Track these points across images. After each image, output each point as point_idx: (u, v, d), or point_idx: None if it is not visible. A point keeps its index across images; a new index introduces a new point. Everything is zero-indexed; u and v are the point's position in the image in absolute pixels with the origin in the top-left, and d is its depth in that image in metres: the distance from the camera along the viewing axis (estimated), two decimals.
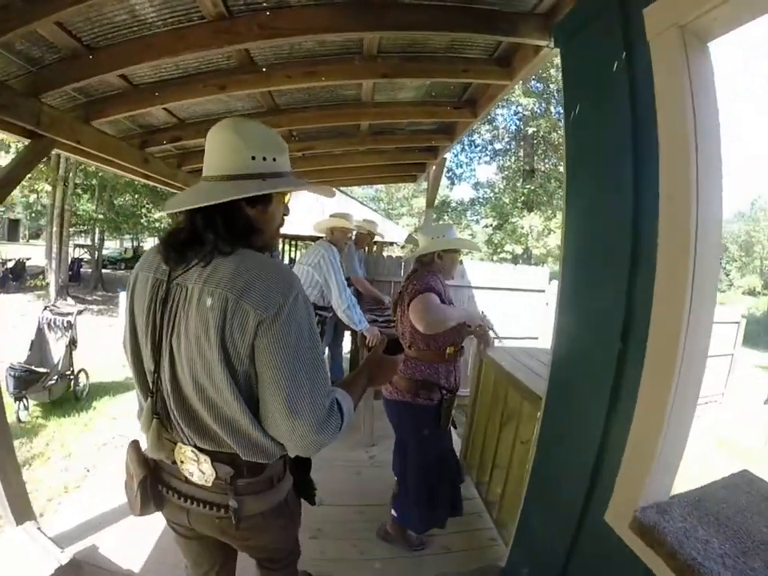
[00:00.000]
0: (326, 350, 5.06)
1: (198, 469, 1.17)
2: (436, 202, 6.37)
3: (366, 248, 14.09)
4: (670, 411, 1.18)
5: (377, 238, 5.95)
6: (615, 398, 1.40)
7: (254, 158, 1.14)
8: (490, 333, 2.65)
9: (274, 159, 1.17)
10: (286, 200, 1.25)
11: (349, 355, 5.85)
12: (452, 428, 2.51)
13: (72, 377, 5.48)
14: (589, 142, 1.64)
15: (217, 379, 1.05)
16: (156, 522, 1.85)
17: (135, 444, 1.32)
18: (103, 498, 2.75)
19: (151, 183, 4.76)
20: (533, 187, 18.71)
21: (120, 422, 4.78)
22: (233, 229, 1.11)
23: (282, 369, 1.02)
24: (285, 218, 1.28)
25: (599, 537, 1.40)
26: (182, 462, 1.19)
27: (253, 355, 1.04)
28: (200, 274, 1.07)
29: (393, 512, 2.53)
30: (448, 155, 5.57)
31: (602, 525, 1.35)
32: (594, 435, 1.47)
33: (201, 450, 1.15)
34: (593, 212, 1.62)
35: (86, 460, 3.90)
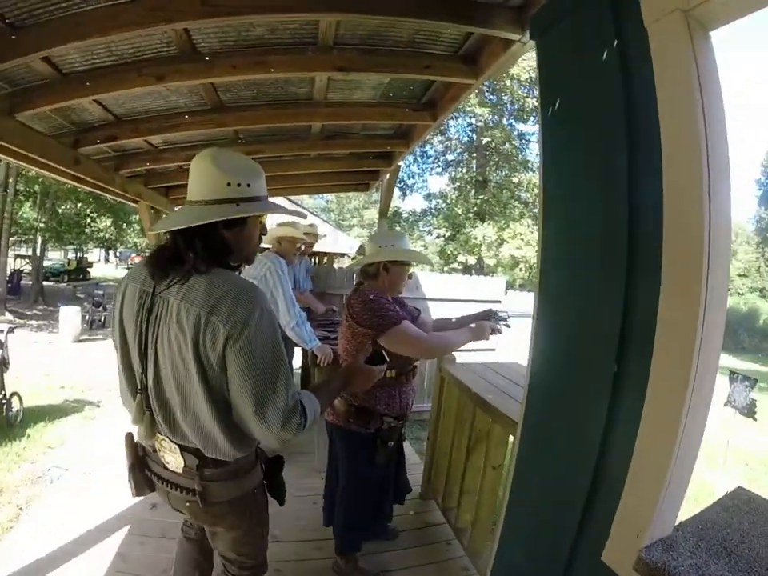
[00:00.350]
0: None
1: (171, 457, 1.36)
2: (387, 213, 6.24)
3: (317, 258, 13.83)
4: (680, 437, 1.03)
5: (325, 248, 5.77)
6: (611, 424, 1.24)
7: (229, 184, 1.27)
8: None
9: (249, 185, 1.30)
10: (262, 221, 1.42)
11: (300, 372, 5.62)
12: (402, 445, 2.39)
13: (3, 401, 4.93)
14: (571, 139, 1.48)
15: (193, 384, 1.23)
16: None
17: (129, 435, 1.51)
18: (40, 541, 2.47)
19: (83, 187, 4.42)
20: (486, 197, 18.98)
21: (57, 452, 4.30)
22: (209, 249, 1.27)
23: (248, 376, 1.18)
24: (262, 237, 1.46)
25: None
26: (161, 450, 1.39)
27: (224, 364, 1.20)
28: (179, 291, 1.23)
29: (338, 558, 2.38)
30: (402, 163, 5.45)
31: (599, 565, 1.20)
32: (585, 465, 1.30)
33: (173, 442, 1.34)
34: (576, 215, 1.46)
35: (19, 496, 3.47)
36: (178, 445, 1.33)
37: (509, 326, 2.40)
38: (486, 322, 2.33)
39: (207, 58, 2.28)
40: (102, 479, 3.24)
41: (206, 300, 1.19)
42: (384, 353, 1.69)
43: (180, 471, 1.36)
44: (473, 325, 2.32)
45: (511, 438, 2.12)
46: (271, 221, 3.78)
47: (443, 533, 2.80)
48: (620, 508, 1.16)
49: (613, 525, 1.18)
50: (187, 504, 1.38)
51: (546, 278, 1.59)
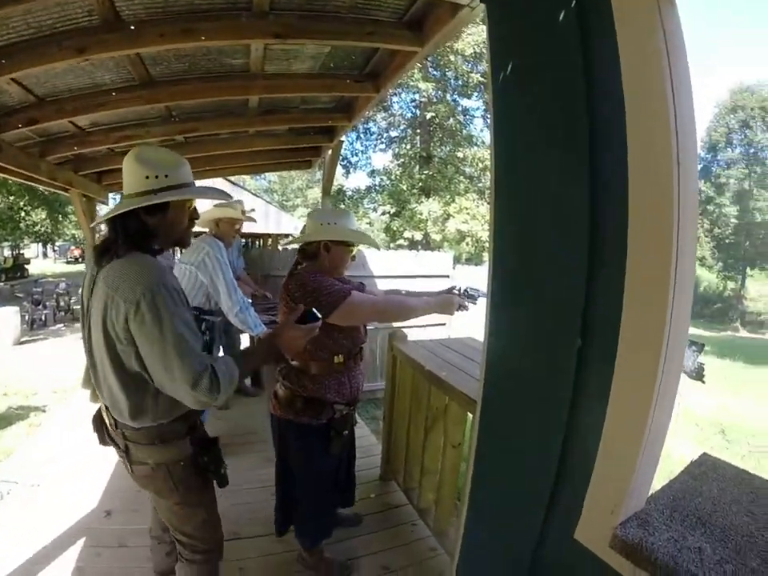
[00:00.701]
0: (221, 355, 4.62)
1: (106, 416, 1.56)
2: (331, 190, 6.09)
3: (261, 241, 13.51)
4: (653, 408, 1.00)
5: (269, 229, 5.58)
6: (578, 399, 1.20)
7: (147, 177, 1.45)
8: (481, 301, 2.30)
9: (166, 176, 1.46)
10: (189, 206, 1.55)
11: None
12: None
13: None
14: (525, 106, 1.38)
15: (103, 354, 1.41)
16: None
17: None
18: None
19: (8, 177, 4.07)
20: (430, 173, 18.93)
21: (3, 464, 3.94)
22: (130, 236, 1.43)
23: (152, 346, 1.33)
24: (193, 220, 1.59)
25: (570, 556, 1.22)
26: (103, 410, 1.57)
27: (129, 337, 1.35)
28: (104, 273, 1.39)
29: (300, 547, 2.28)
30: (344, 139, 5.30)
31: (572, 543, 1.17)
32: (551, 442, 1.26)
33: (104, 402, 1.53)
34: (532, 187, 1.39)
35: None
36: (105, 405, 1.53)
37: (475, 304, 2.30)
38: (454, 296, 2.19)
39: (132, 27, 2.09)
40: (52, 490, 3.02)
41: (113, 280, 1.35)
42: (315, 311, 1.59)
43: (112, 429, 1.55)
44: (436, 296, 2.19)
45: (470, 415, 2.07)
46: (208, 204, 3.62)
47: (407, 514, 2.76)
48: (592, 484, 1.12)
49: (585, 502, 1.14)
50: (121, 460, 1.58)
51: (500, 253, 1.52)
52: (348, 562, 2.32)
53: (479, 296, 2.28)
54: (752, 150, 32.75)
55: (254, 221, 4.29)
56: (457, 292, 2.27)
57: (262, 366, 1.68)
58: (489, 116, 1.54)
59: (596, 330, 1.14)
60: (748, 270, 33.80)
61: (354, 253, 2.10)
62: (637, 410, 1.01)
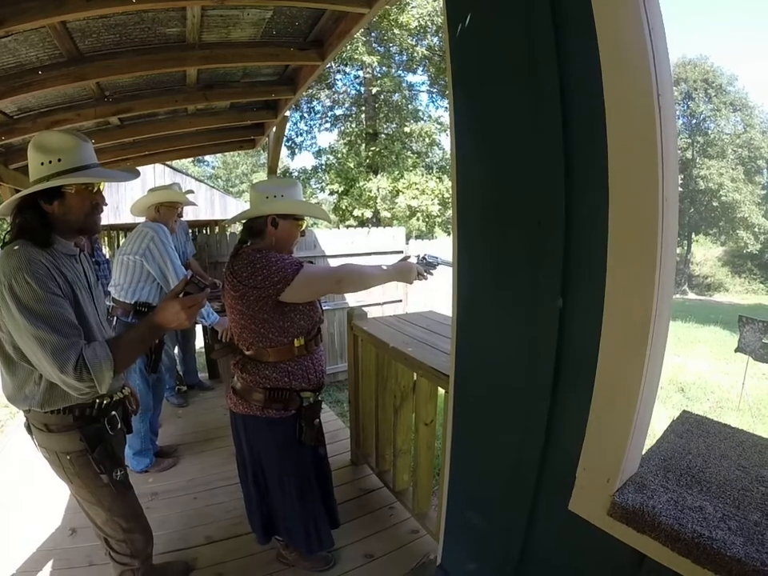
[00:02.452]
0: (176, 350, 4.40)
1: None
2: (277, 170, 5.90)
3: (208, 228, 13.10)
4: (646, 369, 0.94)
5: (215, 215, 5.37)
6: (563, 362, 1.13)
7: (42, 163, 1.46)
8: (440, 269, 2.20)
9: (59, 160, 1.45)
10: (94, 190, 1.53)
11: (204, 351, 5.26)
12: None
13: None
14: (486, 64, 1.25)
15: None
16: None
17: None
18: None
19: None
20: (377, 149, 18.73)
21: None
22: (23, 225, 1.45)
23: (18, 333, 1.36)
24: (98, 205, 1.56)
25: (566, 528, 1.17)
26: None
27: (3, 324, 1.39)
28: None
29: (277, 537, 2.17)
30: (289, 116, 5.11)
31: (567, 515, 1.11)
32: (536, 411, 1.20)
33: None
34: (496, 155, 1.28)
35: None
36: None
37: (432, 274, 2.21)
38: (412, 263, 2.10)
39: None
40: (12, 510, 2.81)
41: None
42: (199, 278, 1.48)
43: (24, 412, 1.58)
44: (394, 264, 2.08)
45: (441, 390, 2.01)
46: (142, 190, 3.38)
47: (383, 497, 2.71)
48: (584, 452, 1.07)
49: (578, 472, 1.09)
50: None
51: (464, 217, 1.43)
52: (329, 555, 2.23)
53: (438, 263, 2.23)
54: (694, 121, 33.90)
55: (195, 204, 4.08)
56: (415, 259, 2.19)
57: (146, 345, 1.59)
58: (446, 78, 1.42)
59: (580, 287, 1.06)
60: (693, 235, 35.26)
61: (303, 227, 1.96)
62: (630, 369, 0.95)
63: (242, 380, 1.91)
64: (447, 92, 1.43)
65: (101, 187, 1.56)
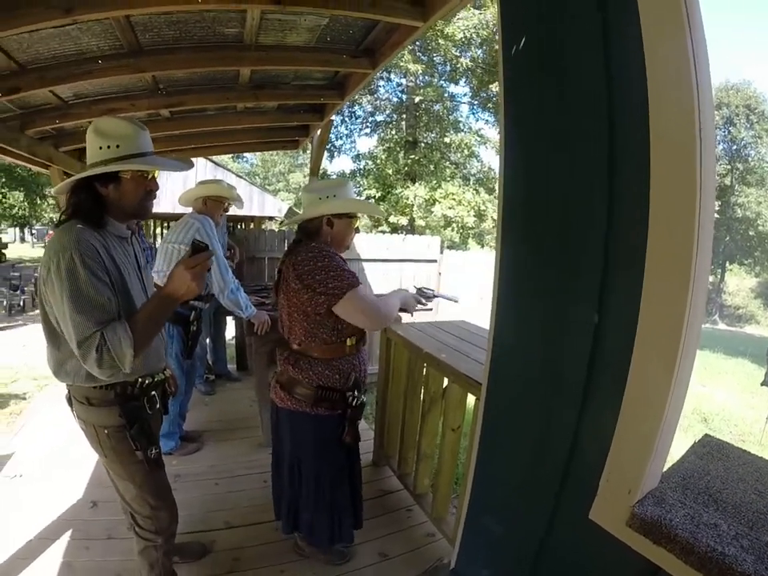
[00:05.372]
0: (207, 340, 4.51)
1: None
2: (319, 172, 5.99)
3: (244, 223, 13.28)
4: (673, 387, 0.97)
5: (248, 212, 5.46)
6: (593, 376, 1.16)
7: (101, 147, 1.51)
8: (437, 302, 2.29)
9: (117, 146, 1.50)
10: (148, 177, 1.57)
11: (234, 342, 5.36)
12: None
13: None
14: (536, 87, 1.30)
15: (41, 312, 1.53)
16: None
17: None
18: None
19: None
20: (416, 158, 18.82)
21: None
22: (78, 205, 1.51)
23: (57, 307, 1.42)
24: (152, 191, 1.62)
25: (584, 537, 1.20)
26: None
27: (48, 299, 1.46)
28: None
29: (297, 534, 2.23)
30: (335, 118, 5.21)
31: (587, 524, 1.14)
32: (564, 422, 1.24)
33: None
34: (542, 176, 1.32)
35: None
36: None
37: (430, 309, 2.30)
38: (411, 295, 2.17)
39: None
40: (35, 481, 2.92)
41: (45, 248, 1.49)
42: (199, 242, 1.48)
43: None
44: (394, 293, 2.14)
45: (470, 397, 2.05)
46: (193, 182, 3.50)
47: (402, 500, 2.74)
48: (609, 463, 1.09)
49: (600, 482, 1.11)
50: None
51: (509, 234, 1.46)
52: (344, 550, 2.28)
53: (434, 295, 2.30)
54: (735, 147, 33.06)
55: (242, 201, 4.20)
56: (414, 290, 2.27)
57: (162, 318, 1.57)
58: (498, 96, 1.47)
59: (613, 306, 1.10)
60: (727, 264, 34.32)
61: (357, 225, 2.02)
62: (657, 388, 0.98)
63: (290, 375, 1.94)
64: (498, 114, 1.48)
65: (155, 174, 1.60)
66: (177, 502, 1.90)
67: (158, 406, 1.76)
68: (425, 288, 2.32)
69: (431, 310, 2.27)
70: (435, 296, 2.31)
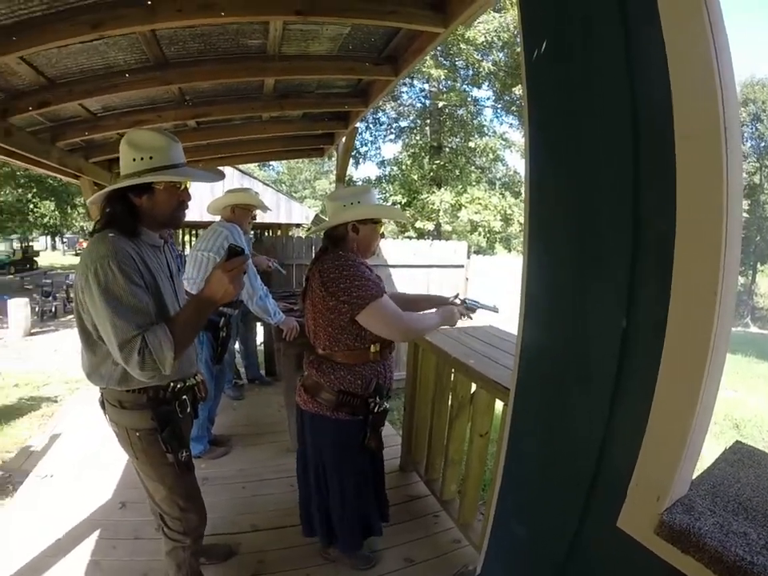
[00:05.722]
0: (237, 345, 4.57)
1: None
2: (345, 179, 6.03)
3: (271, 231, 13.37)
4: (702, 393, 0.95)
5: (279, 219, 5.53)
6: (621, 384, 1.15)
7: (134, 159, 1.55)
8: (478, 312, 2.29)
9: (151, 157, 1.55)
10: (181, 188, 1.62)
11: (263, 348, 5.42)
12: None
13: None
14: (560, 90, 1.29)
15: (76, 316, 1.59)
16: None
17: None
18: (4, 559, 2.24)
19: (17, 162, 4.04)
20: (441, 163, 18.79)
21: (16, 456, 3.98)
22: (112, 215, 1.56)
23: (96, 314, 1.46)
24: (184, 202, 1.67)
25: (612, 545, 1.17)
26: None
27: (85, 305, 1.50)
28: None
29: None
30: (359, 125, 5.26)
31: (614, 531, 1.12)
32: (592, 429, 1.22)
33: None
34: (567, 179, 1.32)
35: None
36: None
37: (471, 318, 2.30)
38: (454, 308, 2.17)
39: (149, 2, 2.03)
40: (65, 481, 3.00)
41: (81, 256, 1.52)
42: (236, 246, 1.53)
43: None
44: (440, 311, 2.14)
45: (498, 403, 2.04)
46: (221, 191, 3.56)
47: (429, 505, 2.74)
48: (638, 470, 1.08)
49: (629, 489, 1.10)
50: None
51: (536, 237, 1.46)
52: (371, 555, 2.29)
53: (477, 307, 2.29)
54: (763, 144, 32.14)
55: (269, 209, 4.25)
56: (458, 302, 2.26)
57: (200, 321, 1.61)
58: (521, 99, 1.46)
59: (641, 309, 1.09)
60: (759, 265, 33.34)
61: (382, 230, 2.04)
62: (686, 393, 0.97)
63: (314, 379, 1.97)
64: (523, 118, 1.47)
65: (187, 185, 1.65)
66: (205, 505, 1.94)
67: (188, 410, 1.79)
68: (468, 299, 2.32)
69: (471, 318, 2.27)
70: (479, 307, 2.31)
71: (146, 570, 2.17)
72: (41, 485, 2.98)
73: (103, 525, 2.51)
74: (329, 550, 2.26)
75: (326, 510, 2.10)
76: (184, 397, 1.76)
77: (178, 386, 1.73)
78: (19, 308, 9.81)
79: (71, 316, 11.81)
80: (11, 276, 19.85)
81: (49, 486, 2.95)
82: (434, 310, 2.16)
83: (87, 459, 3.25)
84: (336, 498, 2.04)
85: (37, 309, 11.65)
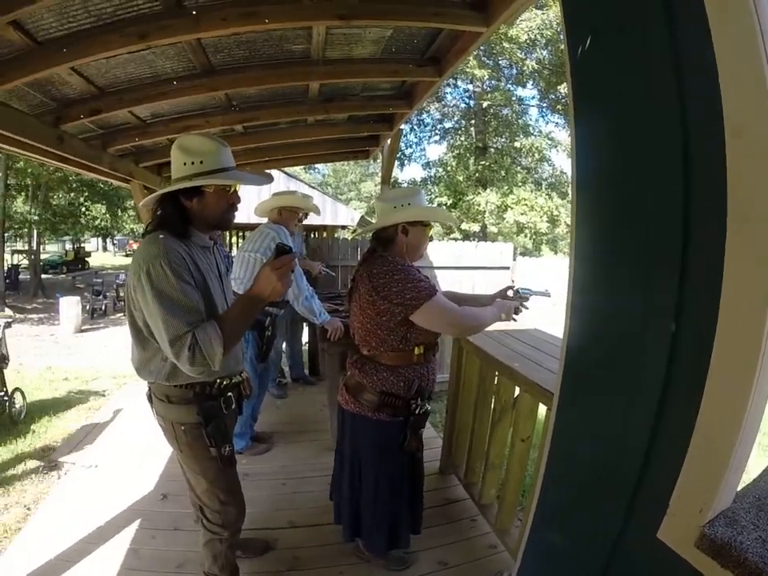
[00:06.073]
0: (284, 345, 4.65)
1: None
2: (390, 181, 6.04)
3: (316, 232, 13.55)
4: (750, 403, 0.91)
5: (321, 221, 5.60)
6: (668, 391, 1.11)
7: (185, 163, 1.60)
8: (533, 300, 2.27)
9: (201, 162, 1.60)
10: (230, 190, 1.67)
11: (307, 347, 5.49)
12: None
13: (5, 398, 4.79)
14: (606, 87, 1.24)
15: (128, 313, 1.66)
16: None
17: None
18: (50, 542, 2.35)
19: (70, 168, 4.24)
20: (486, 164, 18.62)
21: (63, 446, 4.15)
22: (165, 217, 1.62)
23: (149, 311, 1.51)
24: (233, 204, 1.71)
25: (651, 557, 1.14)
26: None
27: (137, 303, 1.56)
28: None
29: (357, 539, 2.25)
30: (404, 127, 5.26)
31: (654, 543, 1.08)
32: (637, 436, 1.18)
33: None
34: (615, 178, 1.29)
35: (26, 495, 3.36)
36: None
37: (527, 308, 2.25)
38: (510, 302, 2.15)
39: (194, 12, 2.09)
40: (110, 472, 3.15)
41: (133, 256, 1.58)
42: (284, 245, 1.57)
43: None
44: (496, 304, 2.13)
45: (541, 407, 2.01)
46: (269, 194, 3.63)
47: (467, 509, 2.72)
48: (681, 481, 1.03)
49: (672, 500, 1.06)
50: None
51: (583, 235, 1.42)
52: (405, 556, 2.29)
53: (531, 295, 2.27)
54: None
55: (318, 212, 4.33)
56: (511, 294, 2.25)
57: (249, 318, 1.64)
58: (567, 99, 1.43)
59: (692, 315, 1.05)
60: None
61: (431, 233, 2.04)
62: (734, 402, 0.92)
63: (356, 379, 1.99)
64: (568, 116, 1.45)
65: (236, 189, 1.69)
66: (244, 499, 1.98)
67: (233, 406, 1.84)
68: (521, 288, 2.30)
69: (528, 308, 2.24)
70: (532, 294, 2.30)
71: (183, 560, 2.24)
72: (85, 473, 3.14)
73: (144, 515, 2.61)
74: (363, 548, 2.27)
75: (356, 505, 2.12)
76: (229, 393, 1.80)
77: (224, 382, 1.77)
78: (71, 306, 10.29)
79: (121, 314, 12.37)
80: (64, 275, 20.96)
81: (93, 476, 3.10)
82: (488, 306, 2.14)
83: (131, 451, 3.40)
84: (369, 495, 2.06)
85: (87, 307, 12.23)
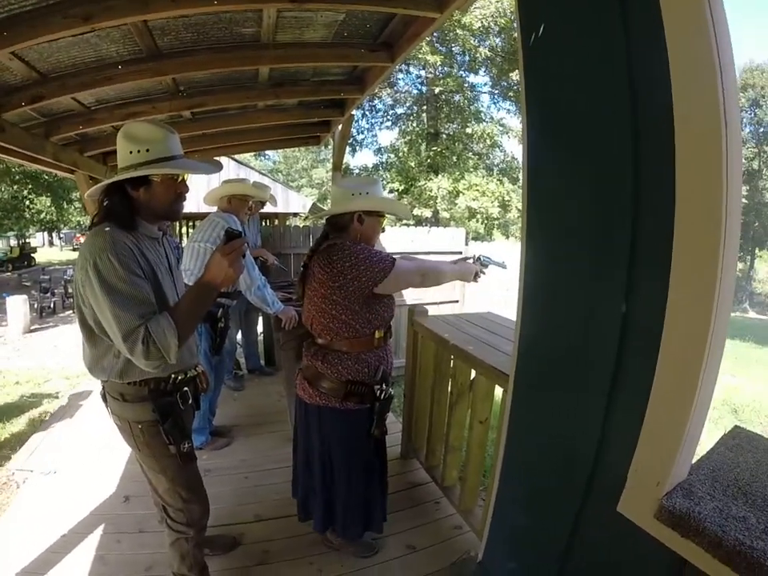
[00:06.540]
0: (239, 336, 4.57)
1: None
2: (342, 166, 6.00)
3: (268, 220, 13.32)
4: (702, 376, 0.95)
5: (273, 208, 5.47)
6: (622, 366, 1.15)
7: (131, 152, 1.54)
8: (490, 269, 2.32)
9: (147, 150, 1.54)
10: (178, 180, 1.61)
11: (262, 337, 5.42)
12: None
13: None
14: (559, 74, 1.28)
15: (77, 310, 1.57)
16: None
17: None
18: (12, 555, 2.26)
19: (11, 159, 4.01)
20: (438, 149, 18.72)
21: (19, 453, 3.90)
22: (110, 209, 1.56)
23: (98, 306, 1.46)
24: (181, 194, 1.65)
25: (612, 529, 1.19)
26: None
27: (86, 299, 1.50)
28: None
29: (328, 532, 2.24)
30: (356, 112, 5.22)
31: (615, 516, 1.13)
32: (592, 413, 1.22)
33: None
34: (567, 164, 1.31)
35: None
36: None
37: (484, 273, 2.29)
38: (471, 265, 2.20)
39: None
40: (69, 477, 3.01)
41: (80, 250, 1.51)
42: (232, 230, 1.55)
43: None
44: (458, 263, 2.19)
45: (498, 389, 2.05)
46: (218, 182, 3.54)
47: (430, 492, 2.75)
48: (637, 455, 1.08)
49: (629, 474, 1.10)
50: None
51: (533, 221, 1.45)
52: (373, 542, 2.30)
53: (490, 263, 2.31)
54: (762, 129, 31.98)
55: (275, 203, 4.27)
56: (472, 259, 2.27)
57: (202, 307, 1.60)
58: (519, 85, 1.45)
59: (641, 294, 1.09)
60: (757, 250, 33.38)
61: (384, 224, 2.04)
62: (685, 378, 0.97)
63: (317, 370, 1.96)
64: (520, 103, 1.46)
65: (185, 177, 1.63)
66: (207, 496, 1.95)
67: (190, 401, 1.79)
68: (482, 255, 2.34)
69: (485, 273, 2.27)
70: (491, 263, 2.35)
71: (151, 563, 2.18)
72: (44, 480, 2.99)
73: (107, 519, 2.52)
74: (330, 537, 2.27)
75: (328, 497, 2.10)
76: (185, 388, 1.76)
77: (179, 377, 1.73)
78: (18, 305, 9.76)
79: (70, 312, 11.83)
80: (9, 273, 19.82)
81: (53, 483, 2.96)
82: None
83: (90, 454, 3.27)
84: (342, 487, 2.05)
85: (35, 305, 11.61)
